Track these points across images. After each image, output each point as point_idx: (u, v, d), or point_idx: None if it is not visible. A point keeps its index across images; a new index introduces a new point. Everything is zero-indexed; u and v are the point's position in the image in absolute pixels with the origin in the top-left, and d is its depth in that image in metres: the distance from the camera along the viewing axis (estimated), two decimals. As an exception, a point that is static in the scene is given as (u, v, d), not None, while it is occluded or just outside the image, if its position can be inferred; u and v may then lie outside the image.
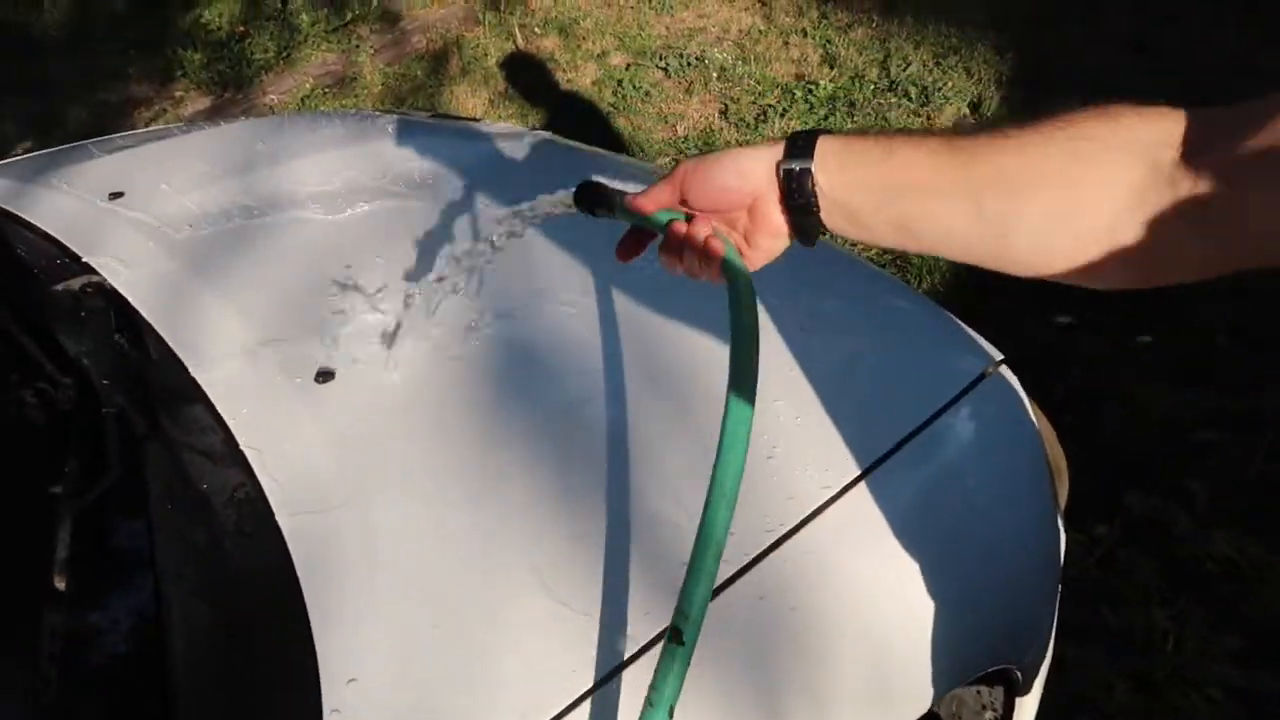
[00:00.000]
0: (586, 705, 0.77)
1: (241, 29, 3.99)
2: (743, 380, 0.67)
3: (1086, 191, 0.60)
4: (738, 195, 0.70)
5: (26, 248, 1.29)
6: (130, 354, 1.10)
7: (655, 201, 0.73)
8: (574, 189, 0.81)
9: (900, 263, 2.78)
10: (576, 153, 1.62)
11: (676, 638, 0.64)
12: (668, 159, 3.32)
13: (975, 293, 2.60)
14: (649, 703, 0.62)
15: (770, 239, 0.72)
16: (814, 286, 1.28)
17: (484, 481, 0.94)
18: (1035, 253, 0.64)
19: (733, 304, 0.69)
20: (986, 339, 1.30)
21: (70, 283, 1.20)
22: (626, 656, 0.80)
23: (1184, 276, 0.61)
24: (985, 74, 3.50)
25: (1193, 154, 0.57)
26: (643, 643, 0.81)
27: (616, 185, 0.80)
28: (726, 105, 3.53)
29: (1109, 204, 0.59)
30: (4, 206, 1.37)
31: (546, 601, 0.83)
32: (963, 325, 1.34)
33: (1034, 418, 1.25)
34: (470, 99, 3.71)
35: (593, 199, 0.79)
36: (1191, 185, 0.56)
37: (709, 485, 0.65)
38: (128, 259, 1.24)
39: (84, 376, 1.06)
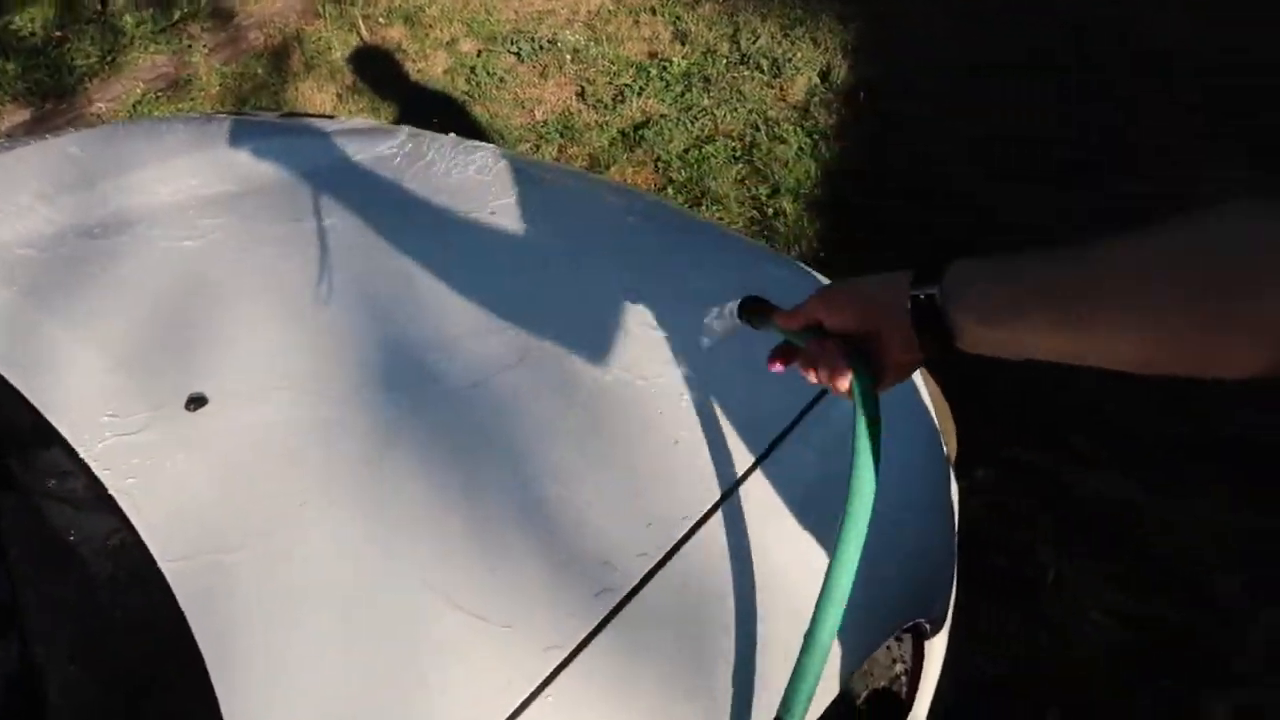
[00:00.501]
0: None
1: (59, 34, 3.70)
2: (859, 501, 0.74)
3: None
4: (867, 318, 0.74)
5: None
6: (-32, 398, 1.00)
7: (797, 319, 0.80)
8: (740, 301, 0.88)
9: (768, 233, 2.82)
10: (431, 140, 1.56)
11: None
12: (528, 145, 3.27)
13: (849, 260, 2.67)
14: None
15: (902, 358, 0.74)
16: (695, 266, 1.28)
17: (379, 500, 0.89)
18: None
19: (860, 429, 0.73)
20: None
21: (-112, 325, 1.08)
22: (556, 665, 0.78)
23: None
24: (831, 43, 3.58)
25: None
26: (570, 648, 0.79)
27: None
28: (583, 87, 3.50)
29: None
30: None
31: (461, 617, 0.79)
32: (817, 275, 1.36)
33: (923, 379, 1.29)
34: (317, 95, 3.56)
35: (754, 313, 0.87)
36: None
37: (821, 592, 0.72)
38: (-45, 293, 1.13)
39: (-84, 428, 0.96)
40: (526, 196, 1.39)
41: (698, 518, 0.90)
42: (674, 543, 0.88)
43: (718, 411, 1.01)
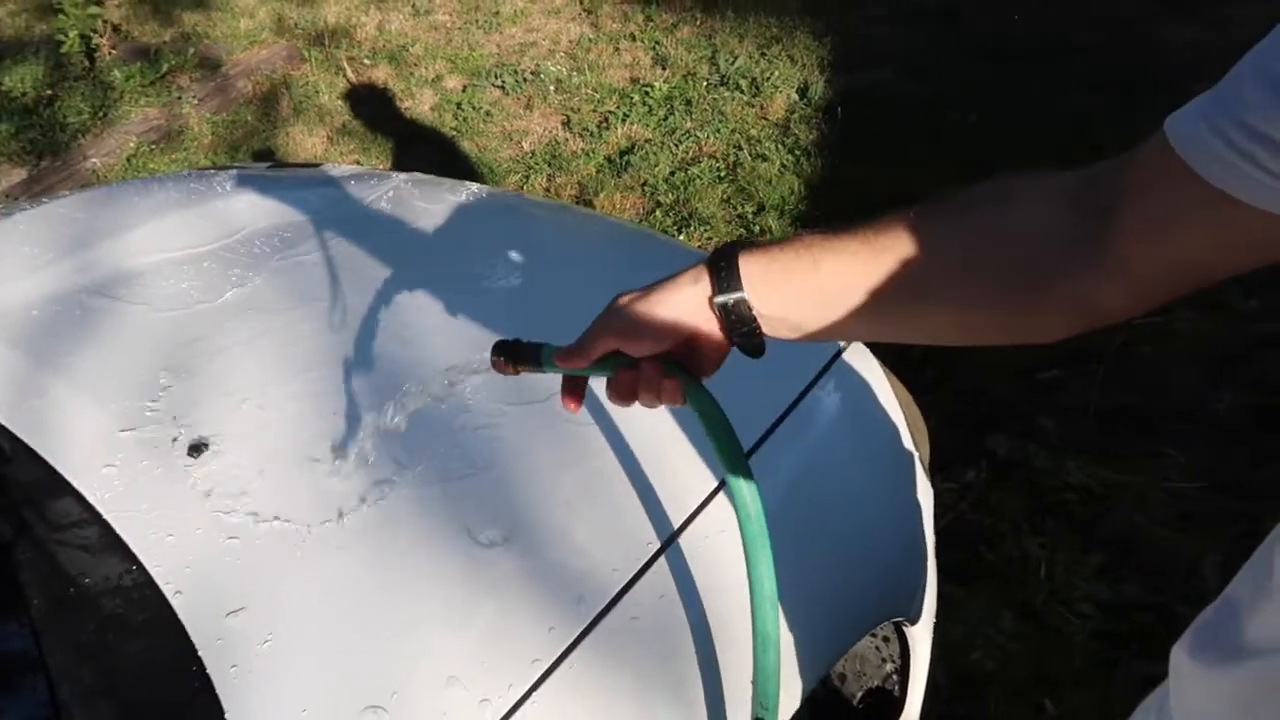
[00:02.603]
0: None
1: (49, 93, 3.79)
2: (745, 499, 0.74)
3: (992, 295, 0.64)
4: (677, 336, 0.71)
5: None
6: (-18, 456, 1.06)
7: (590, 356, 0.74)
8: (490, 351, 0.80)
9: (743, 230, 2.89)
10: (429, 186, 1.62)
11: None
12: (518, 176, 3.33)
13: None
14: None
15: (715, 354, 0.73)
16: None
17: (373, 531, 0.94)
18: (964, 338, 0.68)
19: (711, 433, 0.74)
20: None
21: (-97, 389, 1.14)
22: (539, 675, 0.83)
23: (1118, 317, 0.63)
24: (808, 59, 3.66)
25: (1083, 223, 0.59)
26: (549, 662, 0.84)
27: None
28: (568, 116, 3.57)
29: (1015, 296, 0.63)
30: None
31: (452, 633, 0.85)
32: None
33: (889, 385, 1.34)
34: (308, 139, 3.63)
35: (515, 357, 0.79)
36: (1092, 253, 0.58)
37: (750, 593, 0.75)
38: (-36, 355, 1.18)
39: (-66, 487, 1.01)
40: (508, 231, 1.45)
41: (671, 531, 0.96)
42: (647, 559, 0.93)
43: (692, 425, 1.06)
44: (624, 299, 0.73)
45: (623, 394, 0.74)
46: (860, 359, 1.31)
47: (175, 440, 1.04)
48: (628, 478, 1.00)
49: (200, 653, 0.83)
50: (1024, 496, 1.97)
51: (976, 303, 0.65)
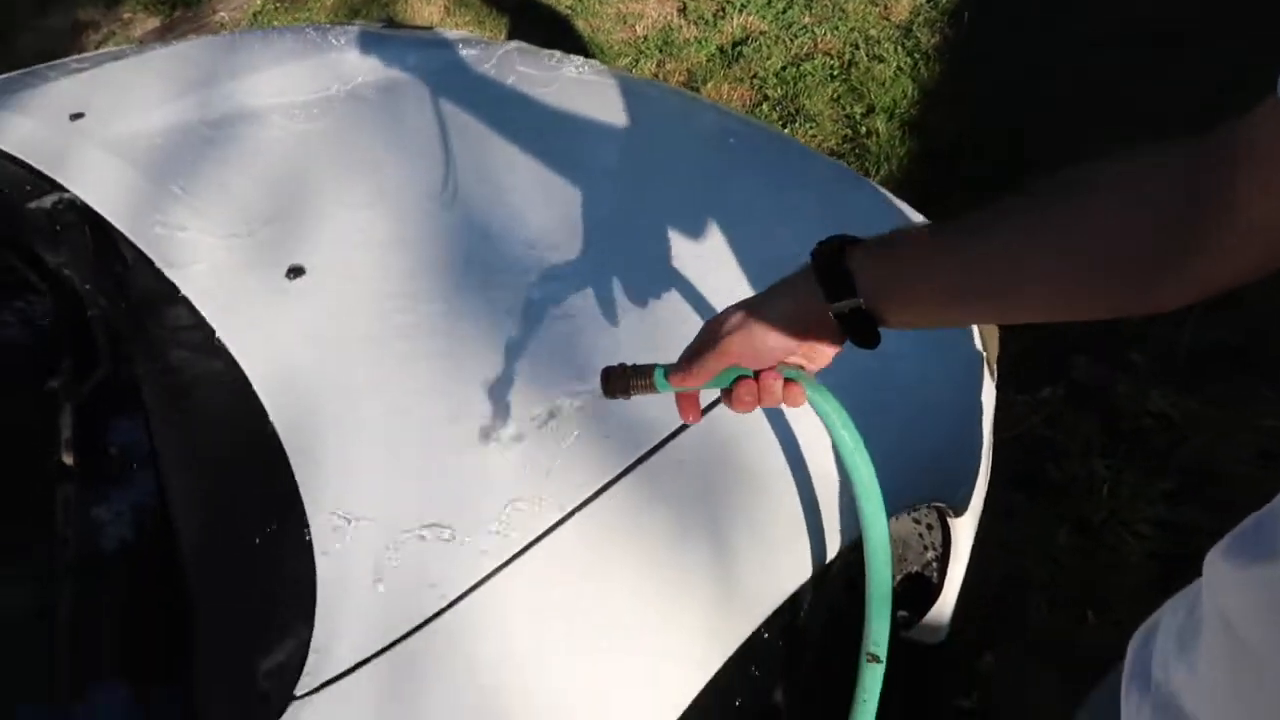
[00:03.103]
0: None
1: (187, -54, 3.91)
2: (868, 493, 0.83)
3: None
4: (793, 349, 0.74)
5: (-5, 170, 1.33)
6: (107, 262, 1.17)
7: (706, 377, 0.76)
8: (600, 380, 0.81)
9: (859, 152, 2.83)
10: (536, 57, 1.65)
11: (874, 660, 0.90)
12: (627, 60, 3.32)
13: (928, 178, 2.67)
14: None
15: (830, 351, 0.76)
16: (757, 172, 1.35)
17: (451, 356, 1.02)
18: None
19: (833, 433, 0.78)
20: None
21: (42, 201, 1.26)
22: (583, 499, 0.90)
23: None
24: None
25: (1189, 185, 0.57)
26: (595, 488, 0.91)
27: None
28: (685, 3, 3.52)
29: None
30: (-33, 132, 1.41)
31: (506, 445, 0.93)
32: (895, 200, 1.41)
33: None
34: (425, 7, 3.67)
35: (624, 384, 0.80)
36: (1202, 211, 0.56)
37: (867, 563, 0.86)
38: (95, 175, 1.29)
39: (67, 284, 1.12)
40: (619, 110, 1.47)
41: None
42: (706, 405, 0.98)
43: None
44: (734, 318, 0.74)
45: (744, 404, 0.75)
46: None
47: (276, 262, 1.12)
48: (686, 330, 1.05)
49: (285, 446, 0.92)
50: (1099, 418, 1.94)
51: (1093, 287, 0.63)
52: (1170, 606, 0.71)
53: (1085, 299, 0.65)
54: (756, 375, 0.75)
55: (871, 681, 0.92)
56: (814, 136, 2.91)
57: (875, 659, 0.91)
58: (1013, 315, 0.72)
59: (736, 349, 0.74)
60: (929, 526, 1.37)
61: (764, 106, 3.03)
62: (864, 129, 2.89)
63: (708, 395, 0.82)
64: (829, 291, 0.70)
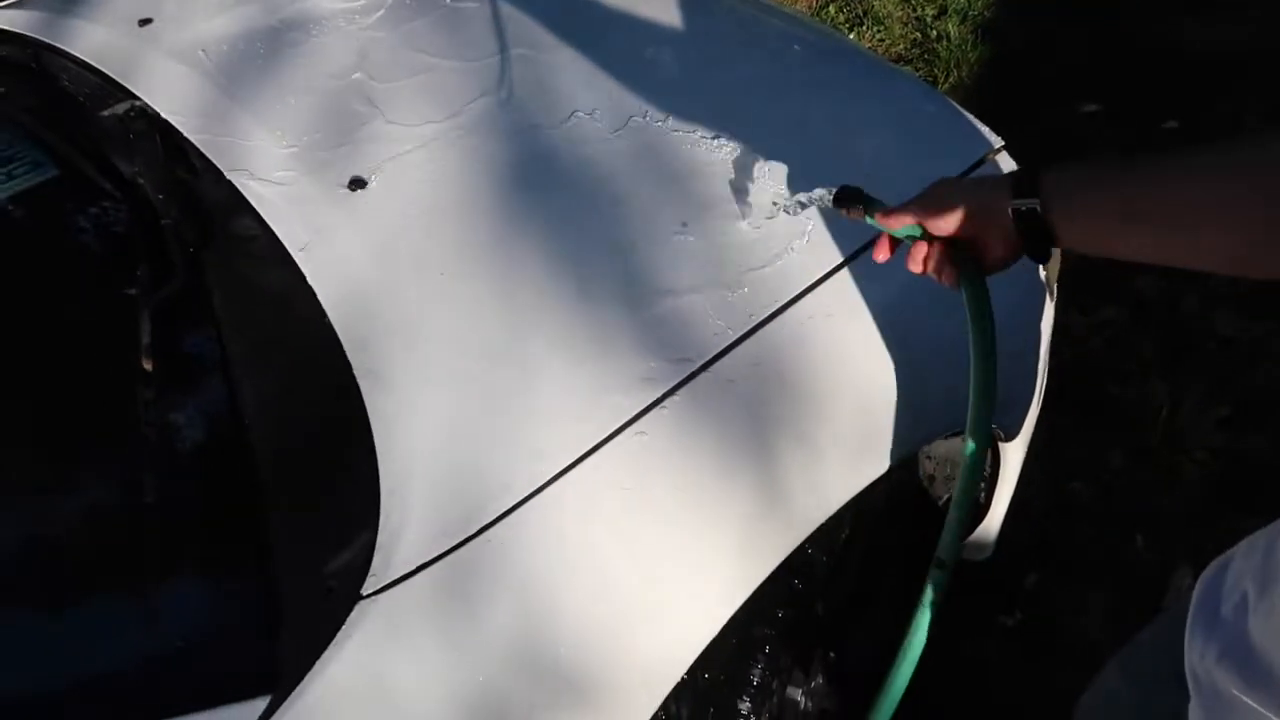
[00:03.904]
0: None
1: None
2: (984, 397, 0.87)
3: None
4: (969, 227, 0.80)
5: (68, 77, 1.36)
6: (178, 171, 1.20)
7: (898, 223, 0.86)
8: (835, 190, 0.95)
9: (928, 57, 2.74)
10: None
11: (939, 565, 0.92)
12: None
13: (1000, 84, 2.57)
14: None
15: (1003, 253, 0.81)
16: (814, 77, 1.32)
17: (504, 270, 1.04)
18: None
19: (974, 328, 0.85)
20: (1009, 130, 1.34)
21: (115, 108, 1.28)
22: (635, 413, 0.93)
23: None
24: None
25: None
26: (646, 403, 0.93)
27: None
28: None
29: None
30: (39, 37, 1.43)
31: (564, 357, 0.95)
32: (964, 113, 1.37)
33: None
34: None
35: (850, 202, 0.93)
36: None
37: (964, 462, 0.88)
38: (165, 82, 1.31)
39: (141, 193, 1.16)
40: (681, 14, 1.43)
41: (782, 303, 1.01)
42: (754, 323, 0.99)
43: (812, 211, 1.08)
44: (941, 186, 0.84)
45: (916, 263, 0.85)
46: (1004, 167, 1.29)
47: (339, 173, 1.14)
48: (737, 253, 1.05)
49: (348, 354, 0.96)
50: (1161, 340, 1.91)
51: (1252, 223, 0.64)
52: (1245, 548, 0.71)
53: (1267, 247, 0.64)
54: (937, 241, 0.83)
55: (935, 586, 0.94)
56: (881, 41, 2.82)
57: (942, 565, 0.93)
58: (1187, 252, 0.70)
59: (923, 206, 0.83)
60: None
61: (830, 9, 2.93)
62: (934, 32, 2.78)
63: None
64: (1014, 186, 0.76)
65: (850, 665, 1.37)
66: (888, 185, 1.19)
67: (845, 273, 1.08)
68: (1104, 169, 0.74)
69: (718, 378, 0.96)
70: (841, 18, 2.90)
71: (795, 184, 1.13)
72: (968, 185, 0.84)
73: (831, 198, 0.96)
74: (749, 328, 0.99)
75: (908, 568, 1.45)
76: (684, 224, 1.08)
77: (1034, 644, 1.61)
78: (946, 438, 1.22)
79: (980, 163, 1.27)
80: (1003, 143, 1.33)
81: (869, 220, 0.91)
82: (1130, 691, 0.93)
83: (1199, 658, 0.70)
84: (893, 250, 0.91)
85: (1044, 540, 1.68)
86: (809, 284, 1.05)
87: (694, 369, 0.96)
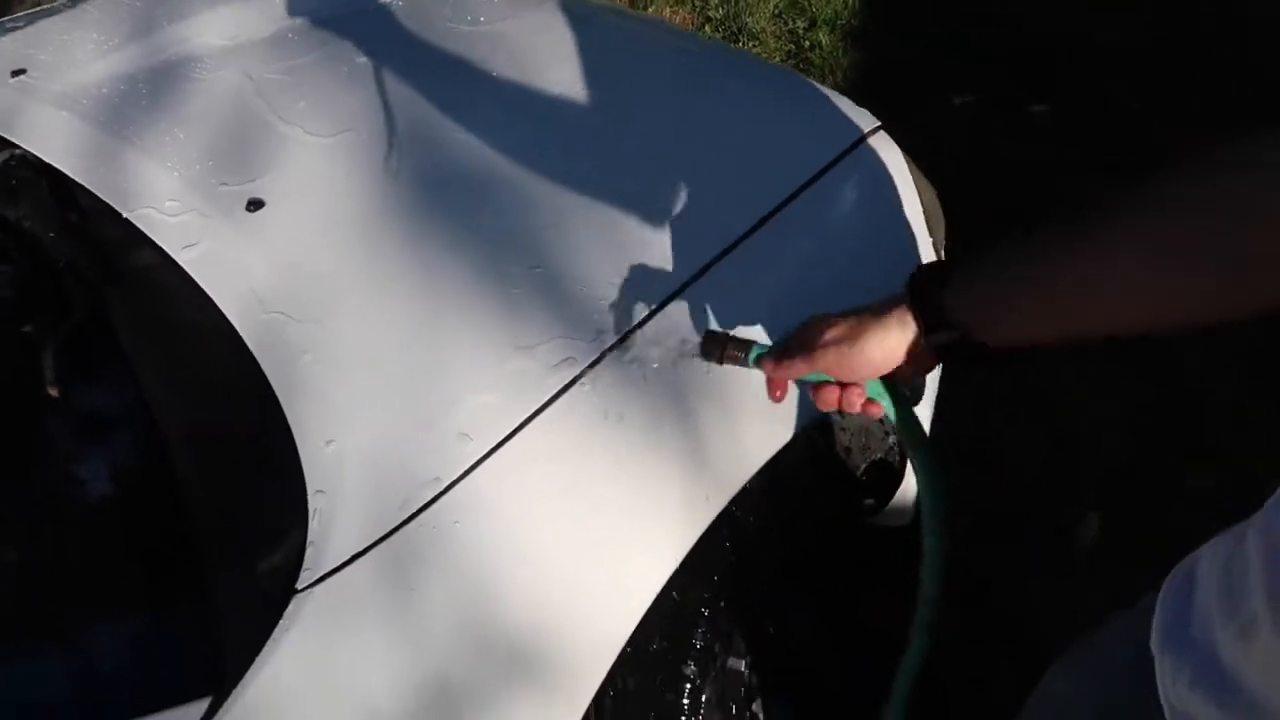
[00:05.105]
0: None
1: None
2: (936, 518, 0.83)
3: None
4: (887, 369, 0.75)
5: (-60, 133, 1.33)
6: (68, 212, 1.18)
7: (791, 374, 0.79)
8: (701, 337, 0.87)
9: (804, 67, 2.85)
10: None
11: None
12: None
13: (874, 84, 2.70)
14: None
15: (924, 372, 0.77)
16: (687, 75, 1.38)
17: (414, 263, 1.05)
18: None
19: (911, 453, 0.82)
20: (887, 126, 1.41)
21: (-5, 160, 1.27)
22: (558, 389, 0.95)
23: None
24: None
25: None
26: (568, 379, 0.96)
27: None
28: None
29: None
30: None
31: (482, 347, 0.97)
32: (839, 96, 1.44)
33: (909, 172, 1.38)
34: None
35: (720, 351, 0.85)
36: None
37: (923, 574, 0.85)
38: (44, 129, 1.29)
39: (30, 236, 1.14)
40: (573, 34, 1.47)
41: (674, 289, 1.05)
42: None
43: (696, 198, 1.13)
44: (835, 330, 0.75)
45: (826, 404, 0.79)
46: (882, 144, 1.36)
47: (235, 196, 1.15)
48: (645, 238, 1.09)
49: (261, 364, 0.96)
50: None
51: (1222, 286, 0.59)
52: (1206, 562, 0.66)
53: (1221, 290, 0.59)
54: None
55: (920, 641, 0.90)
56: (758, 53, 2.93)
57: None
58: (1121, 328, 0.65)
59: (829, 362, 0.76)
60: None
61: (707, 28, 3.04)
62: (808, 43, 2.91)
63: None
64: (924, 326, 0.71)
65: (793, 640, 1.40)
66: (770, 171, 1.25)
67: (751, 243, 1.12)
68: (1008, 260, 0.68)
69: (635, 351, 0.99)
70: (719, 35, 3.00)
71: (680, 186, 1.19)
72: (871, 332, 0.73)
73: (699, 349, 0.87)
74: (660, 301, 1.03)
75: (834, 538, 1.50)
76: (594, 219, 1.12)
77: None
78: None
79: (861, 141, 1.34)
80: (879, 123, 1.41)
81: (753, 368, 0.84)
82: (1078, 694, 0.86)
83: (1171, 682, 0.65)
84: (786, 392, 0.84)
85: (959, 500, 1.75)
86: (715, 256, 1.09)
87: (611, 343, 0.98)
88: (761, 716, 1.36)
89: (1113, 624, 0.80)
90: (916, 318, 0.71)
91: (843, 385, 0.78)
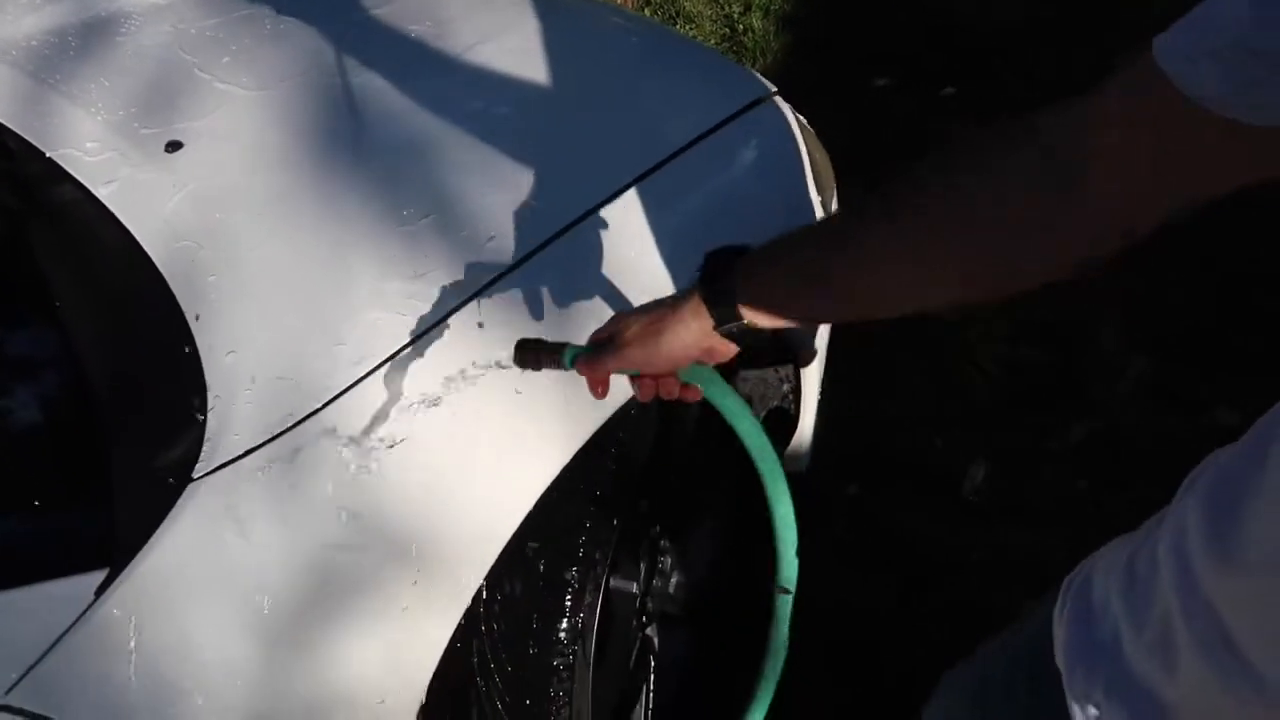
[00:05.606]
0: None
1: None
2: (772, 472, 0.87)
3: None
4: (692, 357, 0.79)
5: None
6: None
7: (603, 374, 0.83)
8: (514, 348, 0.89)
9: (736, 49, 2.95)
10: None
11: (784, 591, 0.96)
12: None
13: (801, 67, 2.81)
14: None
15: (728, 351, 0.80)
16: (585, 40, 1.47)
17: (320, 199, 1.13)
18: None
19: (733, 423, 0.84)
20: (808, 105, 1.50)
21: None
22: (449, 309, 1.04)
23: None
24: None
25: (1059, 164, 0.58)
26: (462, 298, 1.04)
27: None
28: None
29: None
30: None
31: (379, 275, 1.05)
32: (745, 70, 1.54)
33: (801, 132, 1.48)
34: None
35: (535, 358, 0.88)
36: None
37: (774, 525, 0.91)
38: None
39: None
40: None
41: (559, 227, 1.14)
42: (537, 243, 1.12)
43: (585, 143, 1.21)
44: (636, 327, 0.79)
45: (646, 394, 0.83)
46: (777, 110, 1.45)
47: (155, 139, 1.22)
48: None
49: (173, 289, 1.03)
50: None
51: (975, 272, 0.64)
52: (1104, 564, 0.67)
53: (974, 276, 0.64)
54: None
55: (783, 610, 0.99)
56: (694, 36, 3.02)
57: (786, 590, 0.97)
58: (893, 308, 0.71)
59: (636, 358, 0.79)
60: (779, 370, 1.53)
61: (645, 11, 3.13)
62: (741, 26, 3.01)
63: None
64: (715, 316, 0.75)
65: (692, 574, 1.49)
66: (672, 132, 1.33)
67: (631, 194, 1.21)
68: (782, 268, 0.73)
69: (525, 277, 1.08)
70: (657, 17, 3.09)
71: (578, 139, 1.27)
72: (668, 326, 0.77)
73: (514, 357, 0.90)
74: (554, 232, 1.11)
75: (727, 488, 1.60)
76: (501, 178, 1.20)
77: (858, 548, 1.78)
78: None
79: (758, 102, 1.44)
80: (776, 89, 1.51)
81: (569, 369, 0.86)
82: (999, 680, 0.84)
83: (1083, 694, 0.64)
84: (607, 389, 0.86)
85: (856, 453, 1.86)
86: (598, 202, 1.18)
87: (497, 274, 1.07)
88: (656, 641, 1.46)
89: (990, 648, 0.83)
90: (708, 305, 0.75)
91: (656, 376, 0.82)
